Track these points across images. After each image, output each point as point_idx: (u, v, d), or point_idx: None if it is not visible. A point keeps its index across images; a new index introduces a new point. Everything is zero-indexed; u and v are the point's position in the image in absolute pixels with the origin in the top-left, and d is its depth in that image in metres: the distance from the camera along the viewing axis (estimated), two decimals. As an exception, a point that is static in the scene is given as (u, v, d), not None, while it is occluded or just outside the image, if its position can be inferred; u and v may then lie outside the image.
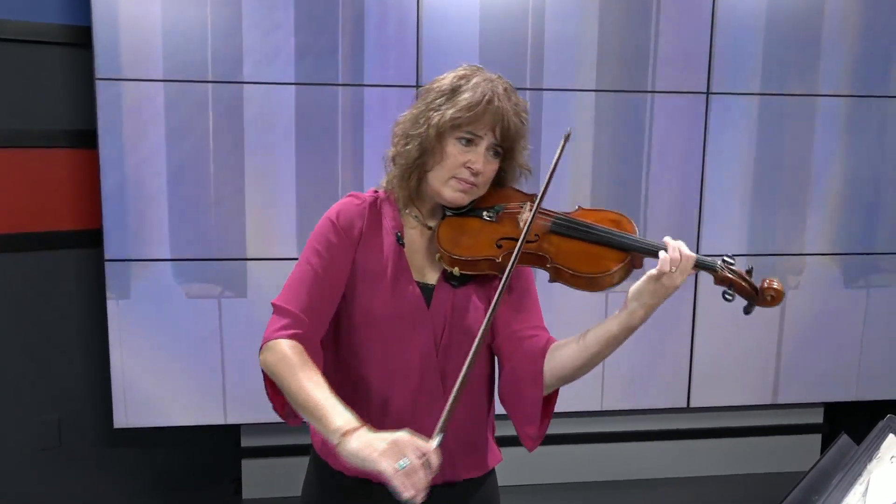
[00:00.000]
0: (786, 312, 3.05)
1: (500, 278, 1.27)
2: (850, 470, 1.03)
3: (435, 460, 1.10)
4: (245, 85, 2.63)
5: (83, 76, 2.62)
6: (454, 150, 1.30)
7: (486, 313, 1.31)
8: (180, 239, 2.68)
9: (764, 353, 3.08)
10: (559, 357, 1.30)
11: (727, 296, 1.25)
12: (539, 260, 1.29)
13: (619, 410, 3.05)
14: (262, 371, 1.31)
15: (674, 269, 1.19)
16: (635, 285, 1.22)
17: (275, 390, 1.31)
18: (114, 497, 2.96)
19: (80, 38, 2.59)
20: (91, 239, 2.70)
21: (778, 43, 2.88)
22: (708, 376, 3.05)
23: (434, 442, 1.12)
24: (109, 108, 2.57)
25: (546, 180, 1.30)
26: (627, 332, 1.24)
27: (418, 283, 1.36)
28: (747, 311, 1.28)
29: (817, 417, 3.29)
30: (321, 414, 1.18)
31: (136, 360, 2.71)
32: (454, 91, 1.30)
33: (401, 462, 1.07)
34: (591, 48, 2.80)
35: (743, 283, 1.25)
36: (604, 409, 3.01)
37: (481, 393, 1.44)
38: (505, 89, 1.32)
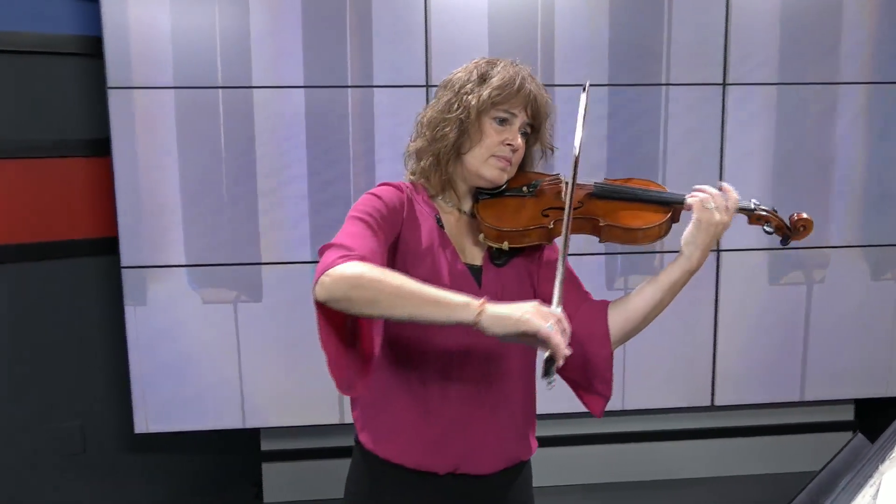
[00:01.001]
0: (812, 306, 2.97)
1: (544, 251, 1.42)
2: (861, 471, 0.98)
3: (567, 326, 1.15)
4: (255, 89, 2.64)
5: (96, 85, 2.64)
6: (491, 130, 1.35)
7: (529, 289, 1.41)
8: (195, 245, 2.69)
9: (790, 349, 3.00)
10: (623, 311, 1.37)
11: (766, 230, 1.39)
12: (590, 223, 1.37)
13: (641, 410, 2.99)
14: (320, 313, 1.19)
15: (709, 205, 1.30)
16: (686, 231, 1.32)
17: (330, 337, 1.21)
18: (141, 500, 2.99)
19: (91, 49, 2.61)
20: (108, 246, 2.72)
21: (795, 30, 2.80)
22: (732, 373, 2.98)
23: (559, 309, 1.17)
24: (121, 116, 2.59)
25: (578, 142, 1.35)
26: (688, 275, 1.33)
27: (467, 265, 1.37)
28: (785, 243, 1.41)
29: (848, 415, 3.20)
30: (442, 295, 1.15)
31: (154, 365, 2.72)
32: (483, 76, 1.36)
33: (549, 323, 1.12)
34: (603, 41, 2.76)
35: (777, 219, 1.37)
36: (625, 408, 2.95)
37: (530, 375, 1.44)
38: (529, 72, 1.40)
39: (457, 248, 1.39)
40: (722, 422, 3.11)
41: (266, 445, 2.99)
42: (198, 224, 2.69)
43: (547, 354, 1.12)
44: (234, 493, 3.11)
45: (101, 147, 2.66)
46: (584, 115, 1.37)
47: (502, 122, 1.35)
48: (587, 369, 1.39)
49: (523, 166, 1.45)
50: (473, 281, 1.37)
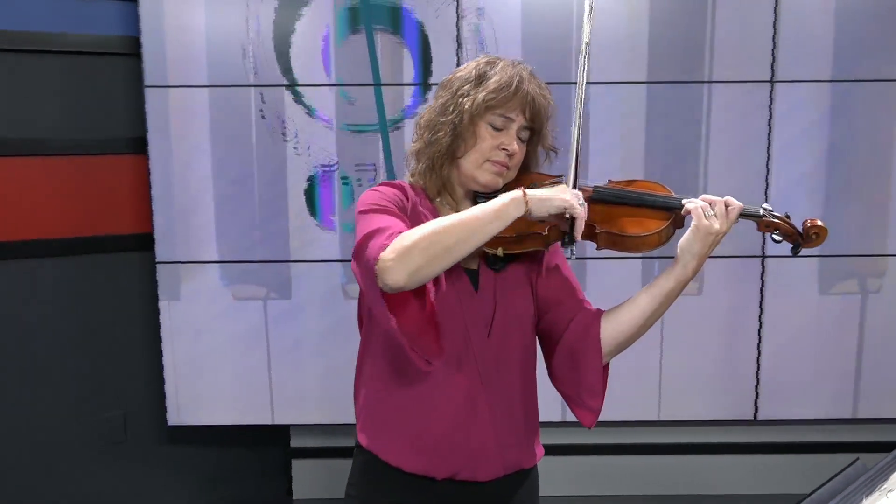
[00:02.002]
0: (866, 318, 2.79)
1: (545, 256, 1.40)
2: (846, 501, 0.90)
3: (582, 212, 1.22)
4: (286, 88, 2.65)
5: (136, 84, 2.70)
6: (486, 134, 1.31)
7: (529, 293, 1.39)
8: (226, 241, 2.73)
9: (841, 362, 2.83)
10: (615, 321, 1.33)
11: (775, 238, 1.32)
12: (587, 229, 1.31)
13: (678, 421, 2.87)
14: (388, 306, 1.18)
15: (707, 213, 1.25)
16: (683, 238, 1.28)
17: (416, 318, 1.21)
18: (174, 490, 3.06)
19: (132, 48, 2.68)
20: (145, 242, 2.78)
21: (850, 24, 2.63)
22: (777, 387, 2.83)
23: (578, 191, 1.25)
24: (158, 114, 2.65)
25: (575, 144, 1.33)
26: (682, 285, 1.29)
27: (465, 269, 1.34)
28: (795, 252, 1.33)
29: (903, 435, 3.00)
30: (491, 208, 1.19)
31: (186, 359, 2.78)
32: (481, 77, 1.32)
33: (579, 202, 1.21)
34: (642, 37, 2.66)
35: (787, 226, 1.30)
36: (661, 419, 2.84)
37: (531, 380, 1.42)
38: (530, 73, 1.35)
39: None
40: (765, 437, 2.96)
41: (296, 442, 3.01)
42: (229, 221, 2.72)
43: (567, 235, 1.23)
44: (265, 488, 3.15)
45: (140, 145, 2.72)
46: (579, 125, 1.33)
47: (499, 128, 1.31)
48: (578, 381, 1.36)
49: (527, 167, 1.42)
50: (470, 283, 1.34)
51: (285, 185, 2.71)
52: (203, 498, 3.08)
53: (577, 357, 1.34)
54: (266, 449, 3.14)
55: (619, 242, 1.31)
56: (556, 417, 2.72)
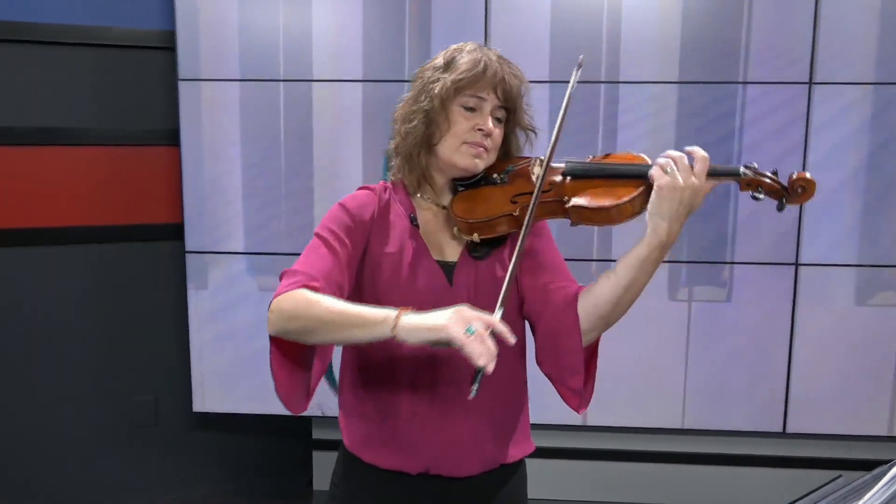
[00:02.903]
0: (905, 332, 2.68)
1: (529, 240, 1.30)
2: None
3: (502, 329, 1.10)
4: (314, 83, 2.68)
5: (171, 77, 2.77)
6: (460, 117, 1.30)
7: (515, 284, 1.33)
8: (253, 233, 2.77)
9: (879, 378, 2.71)
10: (593, 295, 1.27)
11: (755, 196, 1.22)
12: (558, 206, 1.27)
13: (702, 430, 2.80)
14: (271, 341, 1.24)
15: (669, 168, 1.18)
16: (650, 200, 1.20)
17: (283, 363, 1.25)
18: (199, 476, 3.12)
19: (166, 42, 2.74)
20: (177, 232, 2.84)
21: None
22: (808, 400, 2.73)
23: (497, 315, 1.12)
24: (190, 107, 2.71)
25: (559, 120, 1.27)
26: (656, 250, 1.20)
27: (438, 261, 1.33)
28: (780, 208, 1.24)
29: (948, 455, 2.86)
30: (363, 316, 1.14)
31: (212, 348, 2.83)
32: (449, 63, 1.32)
33: (469, 327, 1.07)
34: (674, 37, 2.60)
35: (770, 182, 1.22)
36: (684, 427, 2.78)
37: (512, 373, 1.37)
38: (498, 55, 1.34)
39: (433, 244, 1.34)
40: (794, 451, 2.86)
41: (318, 434, 3.04)
42: (256, 213, 2.77)
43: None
44: (287, 478, 3.19)
45: (173, 137, 2.79)
46: (570, 93, 1.28)
47: (470, 108, 1.30)
48: (559, 361, 1.31)
49: (508, 152, 1.40)
50: (444, 279, 1.32)
51: (311, 177, 2.74)
52: (226, 486, 3.14)
53: (557, 336, 1.30)
54: (288, 440, 3.18)
55: (589, 216, 1.24)
56: (577, 421, 2.69)
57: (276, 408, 2.99)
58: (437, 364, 1.30)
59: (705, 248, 2.68)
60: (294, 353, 1.25)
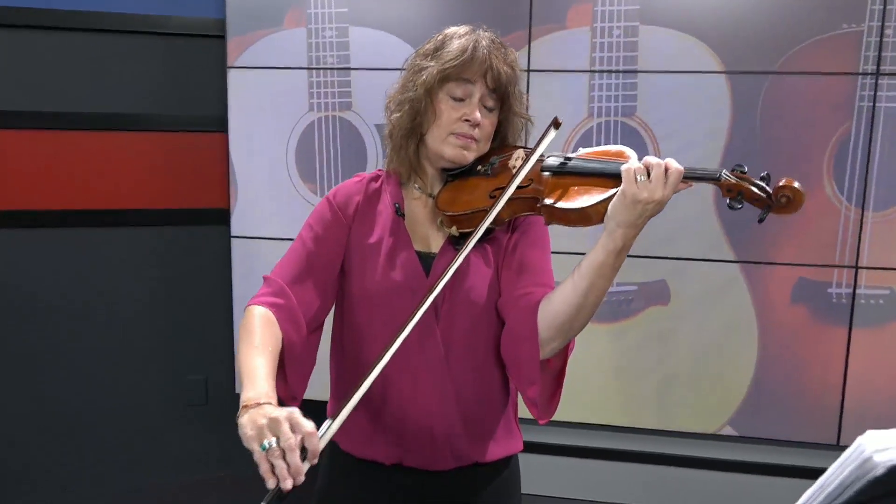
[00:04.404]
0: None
1: (505, 236, 1.28)
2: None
3: (315, 444, 1.00)
4: (353, 71, 2.69)
5: (219, 65, 2.83)
6: (446, 107, 1.27)
7: (489, 279, 1.29)
8: (296, 221, 2.81)
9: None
10: (553, 303, 1.21)
11: (734, 205, 1.13)
12: (531, 203, 1.23)
13: (750, 438, 2.67)
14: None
15: (640, 177, 1.09)
16: (610, 203, 1.13)
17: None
18: (245, 456, 3.19)
19: (217, 30, 2.80)
20: (226, 217, 2.91)
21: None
22: (865, 413, 2.57)
23: (324, 426, 1.05)
24: (239, 94, 2.76)
25: (543, 132, 1.23)
26: (612, 255, 1.13)
27: (420, 252, 1.32)
28: (761, 219, 1.14)
29: None
30: (246, 381, 1.13)
31: (255, 331, 2.88)
32: (438, 49, 1.29)
33: (265, 442, 0.98)
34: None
35: (753, 189, 1.12)
36: (733, 434, 2.65)
37: (488, 371, 1.34)
38: (490, 39, 1.29)
39: (419, 235, 1.33)
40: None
41: (357, 420, 3.05)
42: (298, 201, 2.80)
43: None
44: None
45: (223, 123, 2.85)
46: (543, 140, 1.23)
47: (458, 97, 1.26)
48: (518, 371, 1.27)
49: (505, 141, 1.35)
50: (421, 270, 1.30)
51: (359, 167, 2.75)
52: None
53: (516, 345, 1.25)
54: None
55: (560, 216, 1.18)
56: (624, 423, 2.63)
57: (312, 393, 3.05)
58: (415, 355, 1.29)
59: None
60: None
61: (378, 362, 1.10)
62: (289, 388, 1.29)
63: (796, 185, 1.10)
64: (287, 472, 0.97)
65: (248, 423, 1.02)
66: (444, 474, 1.32)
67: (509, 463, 1.41)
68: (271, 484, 0.96)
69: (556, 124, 1.22)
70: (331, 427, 1.06)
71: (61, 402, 3.00)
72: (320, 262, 1.30)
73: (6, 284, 2.89)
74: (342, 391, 1.38)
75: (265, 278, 1.31)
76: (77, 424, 3.02)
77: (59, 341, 2.96)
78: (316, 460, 1.00)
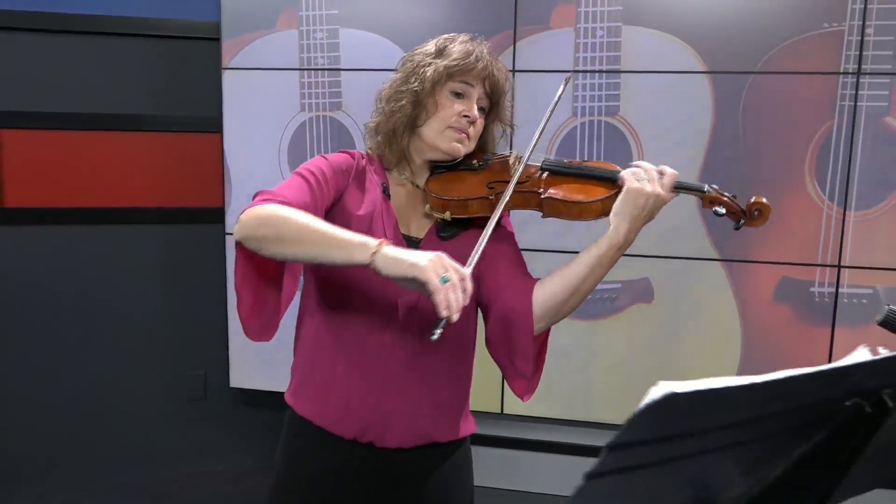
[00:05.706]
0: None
1: (496, 229, 1.34)
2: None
3: (470, 286, 1.12)
4: (343, 72, 2.74)
5: (214, 66, 2.89)
6: (448, 102, 1.34)
7: (477, 269, 1.33)
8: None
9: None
10: (548, 285, 1.32)
11: (717, 213, 1.31)
12: (532, 196, 1.34)
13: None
14: (237, 249, 1.23)
15: (640, 177, 1.26)
16: (615, 201, 1.28)
17: (246, 278, 1.25)
18: (240, 450, 3.26)
19: (213, 33, 2.86)
20: (222, 215, 2.98)
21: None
22: None
23: (468, 269, 1.14)
24: (233, 95, 2.82)
25: (544, 120, 1.36)
26: (615, 249, 1.27)
27: (404, 235, 1.36)
28: (737, 227, 1.33)
29: None
30: (342, 237, 1.14)
31: (249, 327, 2.94)
32: (441, 50, 1.37)
33: (444, 276, 1.09)
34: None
35: (731, 203, 1.31)
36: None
37: (464, 353, 1.40)
38: (488, 48, 1.39)
39: (402, 219, 1.38)
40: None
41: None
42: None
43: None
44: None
45: (219, 124, 2.90)
46: (557, 101, 1.37)
47: (459, 94, 1.34)
48: (510, 347, 1.34)
49: (485, 147, 1.44)
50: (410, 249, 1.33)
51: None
52: (269, 461, 3.25)
53: (510, 321, 1.33)
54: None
55: (562, 209, 1.32)
56: (605, 419, 2.63)
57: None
58: (389, 333, 1.32)
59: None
60: (261, 270, 1.26)
61: None
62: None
63: (765, 200, 1.28)
64: (458, 305, 1.08)
65: (410, 254, 1.12)
66: (404, 452, 1.35)
67: (463, 442, 1.45)
68: (446, 313, 1.07)
69: (567, 80, 1.41)
70: (470, 270, 1.15)
71: (60, 397, 3.08)
72: (318, 199, 1.29)
73: (0, 279, 2.97)
74: (308, 348, 1.39)
75: (262, 191, 1.25)
76: (76, 419, 3.10)
77: (57, 337, 3.04)
78: (468, 301, 1.11)
